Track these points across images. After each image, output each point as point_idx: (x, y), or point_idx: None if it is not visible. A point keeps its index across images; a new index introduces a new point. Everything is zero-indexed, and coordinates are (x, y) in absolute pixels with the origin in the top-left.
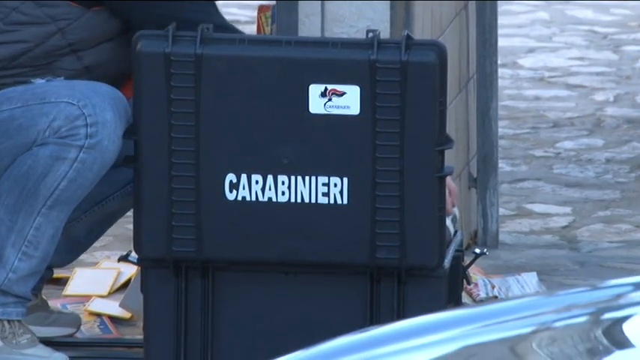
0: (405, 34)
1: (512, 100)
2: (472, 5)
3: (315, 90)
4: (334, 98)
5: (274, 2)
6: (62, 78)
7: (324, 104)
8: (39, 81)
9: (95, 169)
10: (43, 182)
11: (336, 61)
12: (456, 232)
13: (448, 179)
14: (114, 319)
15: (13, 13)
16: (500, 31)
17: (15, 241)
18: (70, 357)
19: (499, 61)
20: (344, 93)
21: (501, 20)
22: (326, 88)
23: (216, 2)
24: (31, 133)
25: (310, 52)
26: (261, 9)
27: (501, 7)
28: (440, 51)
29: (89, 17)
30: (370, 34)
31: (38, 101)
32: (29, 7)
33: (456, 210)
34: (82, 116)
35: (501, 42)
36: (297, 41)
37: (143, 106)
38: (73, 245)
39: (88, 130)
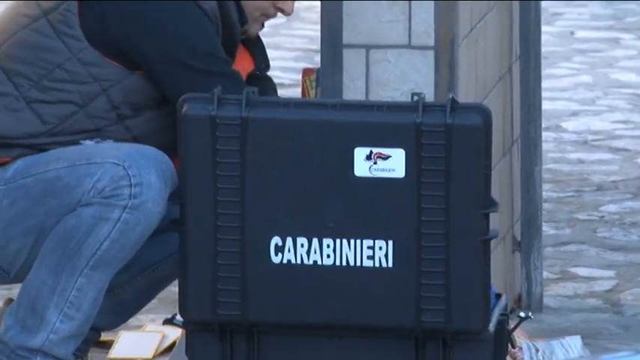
0: (450, 97)
1: (555, 164)
2: (516, 69)
3: (360, 153)
4: (379, 161)
5: (318, 66)
6: (111, 141)
7: (370, 167)
8: (88, 142)
9: (138, 230)
10: (85, 242)
11: (381, 124)
12: (500, 295)
13: None
14: None
15: (57, 70)
16: (543, 95)
17: (57, 302)
18: None
19: (542, 125)
20: (389, 156)
21: (545, 84)
22: (371, 152)
23: None
24: (76, 193)
25: (355, 116)
26: (306, 72)
27: (545, 70)
28: (485, 114)
29: (133, 81)
30: (415, 98)
31: (84, 161)
32: (73, 64)
33: None
34: (127, 177)
35: (545, 105)
36: (342, 104)
37: (189, 169)
38: (121, 309)
39: (132, 190)
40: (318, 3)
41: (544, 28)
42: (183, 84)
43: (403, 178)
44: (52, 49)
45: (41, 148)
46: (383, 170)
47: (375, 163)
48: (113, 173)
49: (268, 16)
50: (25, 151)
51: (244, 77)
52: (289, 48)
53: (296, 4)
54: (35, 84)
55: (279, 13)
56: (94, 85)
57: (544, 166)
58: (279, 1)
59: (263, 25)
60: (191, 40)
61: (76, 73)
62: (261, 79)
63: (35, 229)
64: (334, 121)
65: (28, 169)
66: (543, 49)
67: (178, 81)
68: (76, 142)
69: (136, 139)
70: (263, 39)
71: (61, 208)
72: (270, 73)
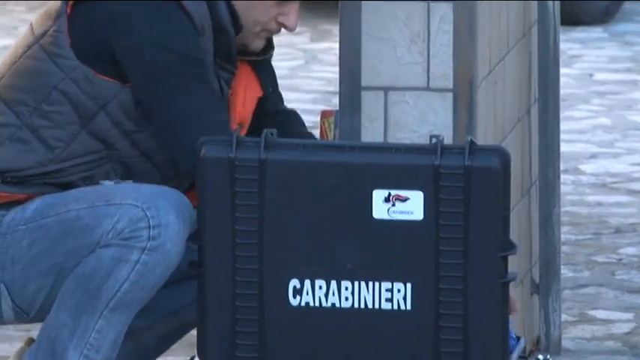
0: (469, 139)
1: (574, 206)
2: (534, 111)
3: (378, 195)
4: (398, 204)
5: (337, 108)
6: (131, 182)
7: (388, 209)
8: (107, 183)
9: (157, 271)
10: (105, 284)
11: (399, 166)
12: (519, 338)
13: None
14: None
15: (52, 93)
16: (562, 137)
17: (77, 344)
18: None
19: (561, 167)
20: (407, 198)
21: (563, 126)
22: (389, 194)
23: None
24: (95, 234)
25: (374, 158)
26: (324, 114)
27: (563, 112)
28: (503, 156)
29: (126, 93)
30: (434, 140)
31: (103, 202)
32: (67, 85)
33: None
34: (145, 218)
35: (563, 147)
36: (360, 146)
37: (207, 211)
38: (142, 353)
39: (151, 232)
40: (336, 45)
41: (563, 71)
42: (155, 85)
43: (421, 220)
44: (46, 72)
45: (55, 177)
46: (401, 212)
47: (393, 205)
48: (132, 214)
49: (270, 32)
50: (42, 189)
51: (254, 101)
52: (307, 90)
53: (314, 46)
54: (35, 110)
55: (282, 29)
56: (90, 103)
57: (562, 209)
58: (281, 16)
59: (273, 47)
60: (163, 38)
61: (71, 93)
62: (285, 113)
63: (54, 270)
64: (352, 163)
65: (48, 209)
66: (562, 92)
67: (151, 81)
68: (88, 167)
69: (145, 154)
70: (281, 81)
71: (80, 249)
72: None
